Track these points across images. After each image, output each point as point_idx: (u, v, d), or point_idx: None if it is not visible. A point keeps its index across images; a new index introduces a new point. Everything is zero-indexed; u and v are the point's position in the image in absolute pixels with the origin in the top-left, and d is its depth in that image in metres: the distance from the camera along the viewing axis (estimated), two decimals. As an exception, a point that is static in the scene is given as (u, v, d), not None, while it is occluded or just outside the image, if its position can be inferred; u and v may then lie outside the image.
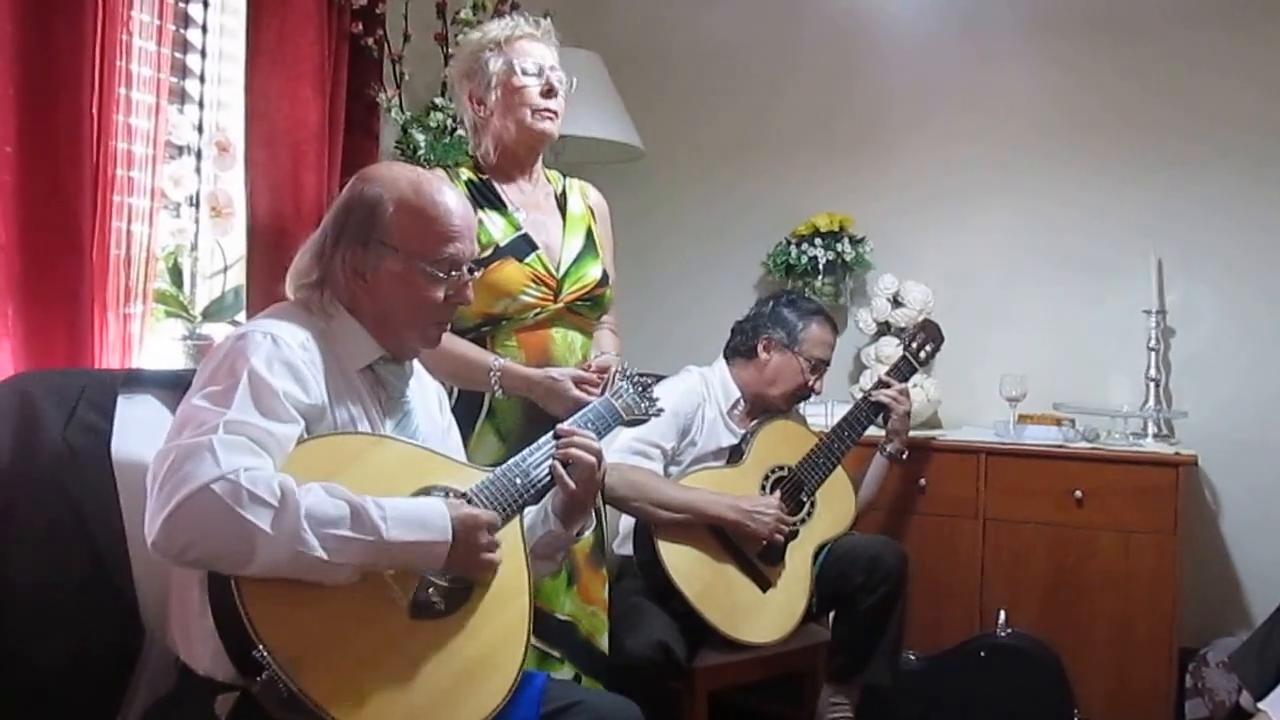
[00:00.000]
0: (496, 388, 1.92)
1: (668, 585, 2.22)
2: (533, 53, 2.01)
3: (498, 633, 1.47)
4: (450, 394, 1.96)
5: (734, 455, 2.45)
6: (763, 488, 2.40)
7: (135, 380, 1.70)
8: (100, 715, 1.52)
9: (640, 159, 3.33)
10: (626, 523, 2.41)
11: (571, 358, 2.02)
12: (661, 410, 1.90)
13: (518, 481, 1.56)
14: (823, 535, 2.43)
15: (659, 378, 2.23)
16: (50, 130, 1.83)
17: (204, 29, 2.45)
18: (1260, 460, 3.03)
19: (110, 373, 1.82)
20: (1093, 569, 2.75)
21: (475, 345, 1.96)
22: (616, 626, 2.11)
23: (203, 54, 2.45)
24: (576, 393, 1.87)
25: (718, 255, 3.60)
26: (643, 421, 1.88)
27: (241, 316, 2.34)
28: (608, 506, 2.21)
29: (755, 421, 2.51)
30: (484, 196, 2.01)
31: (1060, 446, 2.85)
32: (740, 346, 2.58)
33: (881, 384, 2.63)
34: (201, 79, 2.46)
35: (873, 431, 2.63)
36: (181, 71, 2.41)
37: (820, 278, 3.34)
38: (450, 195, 1.57)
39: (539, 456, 1.61)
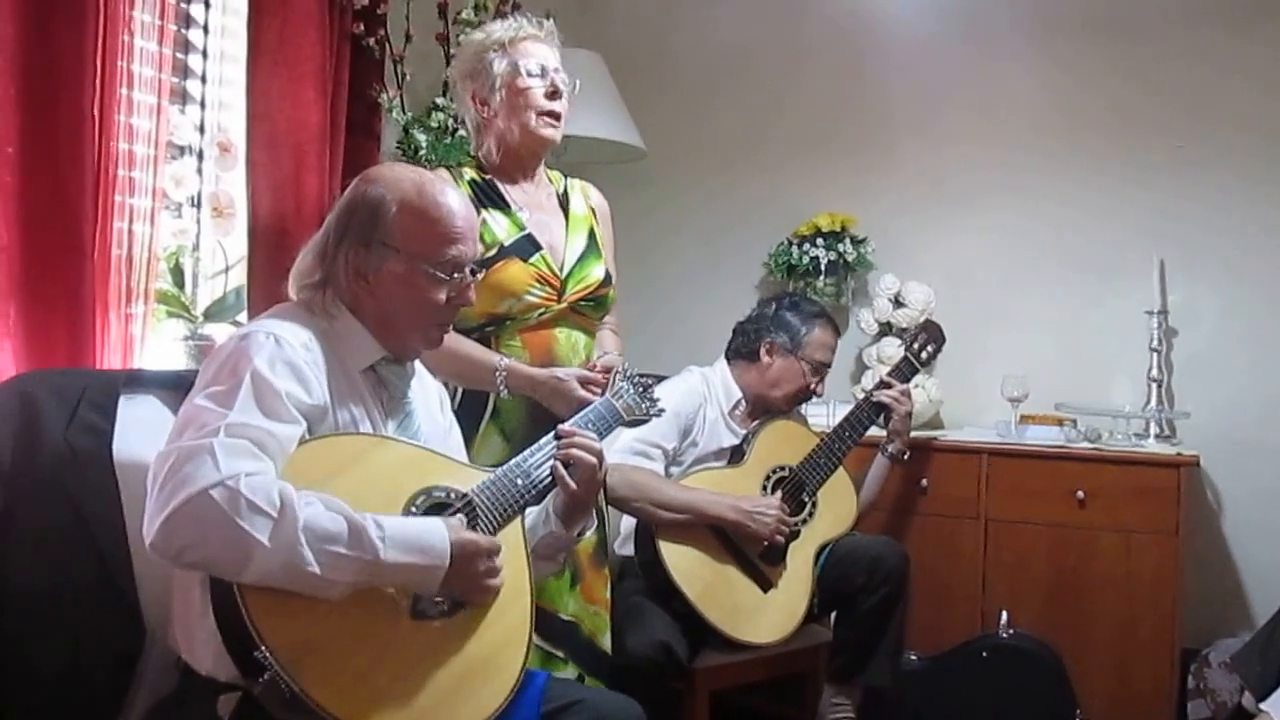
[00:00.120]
0: (502, 387, 1.92)
1: (669, 585, 2.22)
2: (536, 54, 2.01)
3: (499, 633, 1.47)
4: (454, 394, 1.96)
5: (735, 455, 2.45)
6: (764, 488, 2.40)
7: (137, 381, 1.70)
8: (102, 716, 1.52)
9: (641, 159, 3.33)
10: (628, 523, 2.40)
11: (575, 358, 2.02)
12: (662, 410, 1.90)
13: (519, 482, 1.56)
14: (824, 536, 2.43)
15: (660, 378, 2.23)
16: (51, 131, 1.82)
17: (205, 29, 2.45)
18: (1262, 461, 3.03)
19: (112, 373, 1.82)
20: (1095, 569, 2.75)
21: (480, 345, 1.96)
22: (618, 626, 2.11)
23: (204, 54, 2.45)
24: (582, 392, 1.87)
25: (719, 255, 3.60)
26: (644, 422, 1.88)
27: (243, 317, 2.34)
28: (609, 507, 2.21)
29: (756, 422, 2.51)
30: (488, 196, 2.01)
31: (1062, 447, 2.85)
32: (742, 348, 2.57)
33: (883, 384, 2.63)
34: (203, 79, 2.45)
35: (874, 432, 2.63)
36: (183, 72, 2.41)
37: (822, 278, 3.34)
38: (453, 197, 1.57)
39: (540, 457, 1.61)
